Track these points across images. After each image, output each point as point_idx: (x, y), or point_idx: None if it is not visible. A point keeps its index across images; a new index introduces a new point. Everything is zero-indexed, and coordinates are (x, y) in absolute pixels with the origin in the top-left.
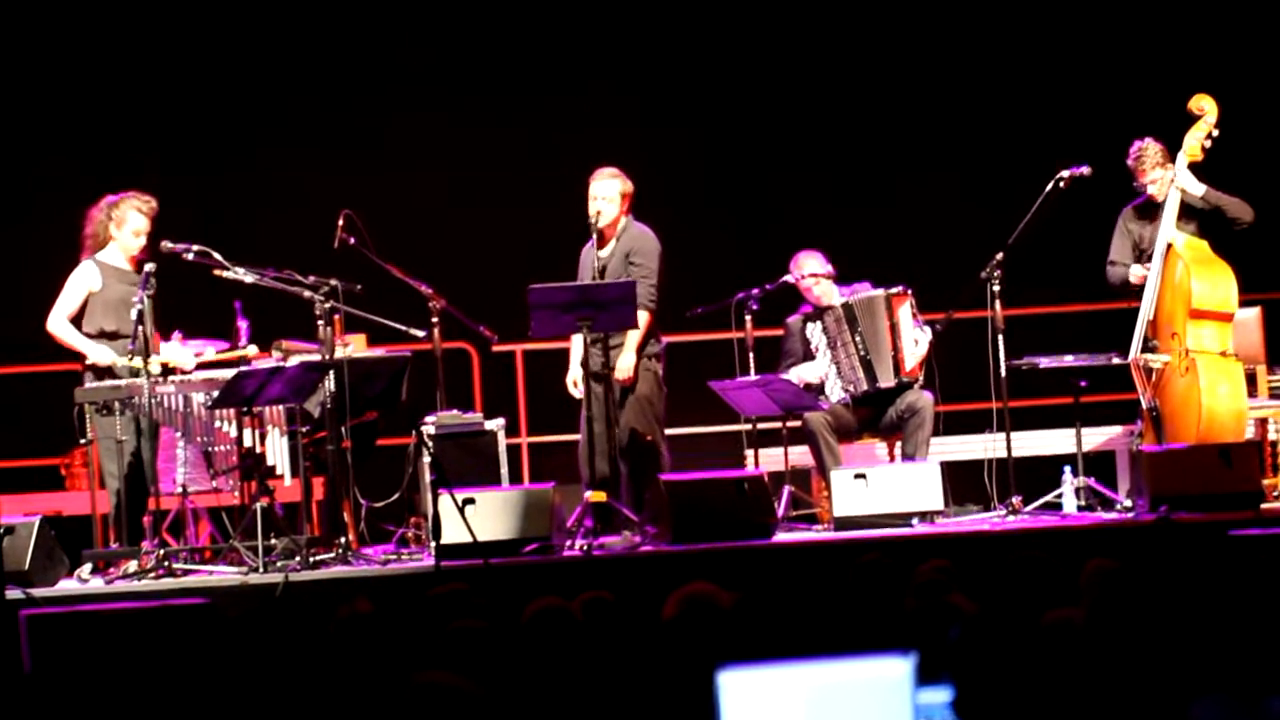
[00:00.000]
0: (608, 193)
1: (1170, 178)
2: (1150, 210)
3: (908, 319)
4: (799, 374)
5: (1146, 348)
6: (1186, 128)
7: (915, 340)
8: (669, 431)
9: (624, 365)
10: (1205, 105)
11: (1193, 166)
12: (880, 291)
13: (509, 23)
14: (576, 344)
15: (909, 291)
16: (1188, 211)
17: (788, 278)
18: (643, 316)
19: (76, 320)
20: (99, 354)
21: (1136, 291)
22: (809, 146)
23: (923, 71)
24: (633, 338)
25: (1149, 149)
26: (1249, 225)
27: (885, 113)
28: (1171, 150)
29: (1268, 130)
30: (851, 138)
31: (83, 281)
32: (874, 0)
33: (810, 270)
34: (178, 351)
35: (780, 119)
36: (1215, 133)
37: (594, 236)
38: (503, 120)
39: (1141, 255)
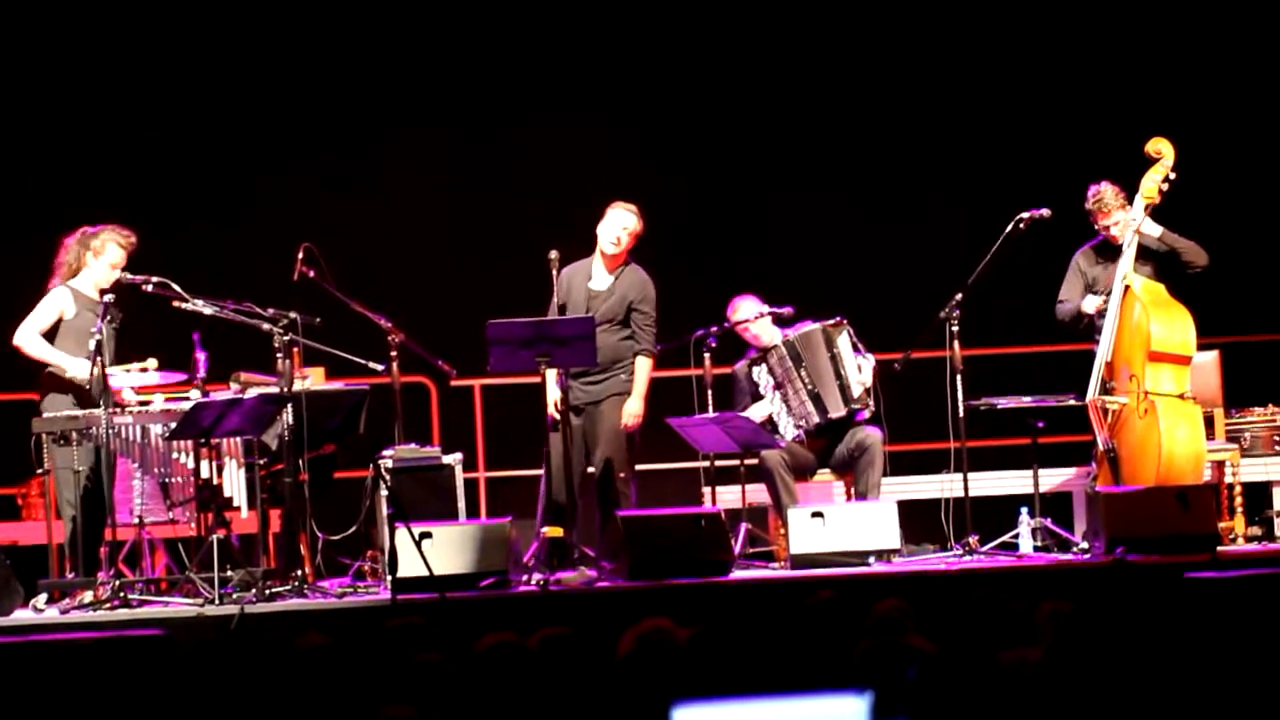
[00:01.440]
0: (630, 226)
1: (1128, 220)
2: (1106, 252)
3: (847, 347)
4: (749, 416)
5: (1104, 389)
6: (1143, 171)
7: (859, 366)
8: None
9: (632, 410)
10: (1162, 148)
11: (1150, 209)
12: (818, 325)
13: (470, 57)
14: (550, 373)
15: (844, 321)
16: (1144, 254)
17: (726, 324)
18: (648, 362)
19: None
20: (76, 368)
21: (1088, 331)
22: (769, 187)
23: (882, 116)
24: (640, 383)
25: (1106, 192)
26: (1203, 269)
27: (844, 155)
28: (1129, 193)
29: (1225, 174)
30: (811, 180)
31: (56, 304)
32: (830, 48)
33: (744, 314)
34: (124, 378)
35: (742, 160)
36: (1172, 175)
37: (589, 264)
38: (464, 155)
39: (1094, 296)
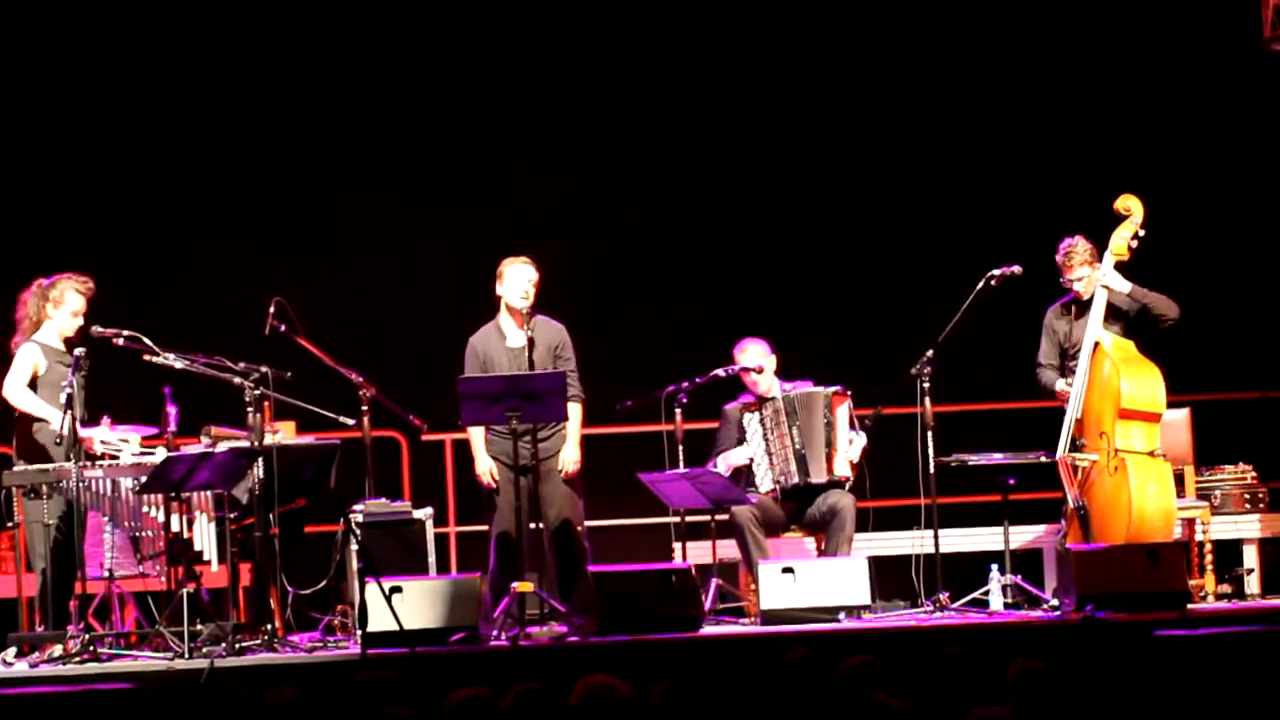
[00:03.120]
0: (535, 278)
1: (1097, 277)
2: (1075, 308)
3: (844, 420)
4: (728, 459)
5: (1074, 446)
6: (1113, 228)
7: (850, 440)
8: (595, 523)
9: (571, 457)
10: (1131, 205)
11: (1119, 266)
12: (822, 389)
13: (438, 109)
14: (477, 435)
15: (848, 393)
16: (1113, 312)
17: (732, 367)
18: (578, 408)
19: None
20: (60, 420)
21: (1041, 391)
22: (740, 242)
23: (855, 169)
24: (574, 430)
25: (1078, 246)
26: (1174, 323)
27: (817, 209)
28: (1101, 248)
29: (1196, 231)
30: (782, 234)
31: (29, 360)
32: (801, 95)
33: (755, 360)
34: (105, 435)
35: (714, 214)
36: (1142, 232)
37: (498, 326)
38: (434, 208)
39: (1064, 354)
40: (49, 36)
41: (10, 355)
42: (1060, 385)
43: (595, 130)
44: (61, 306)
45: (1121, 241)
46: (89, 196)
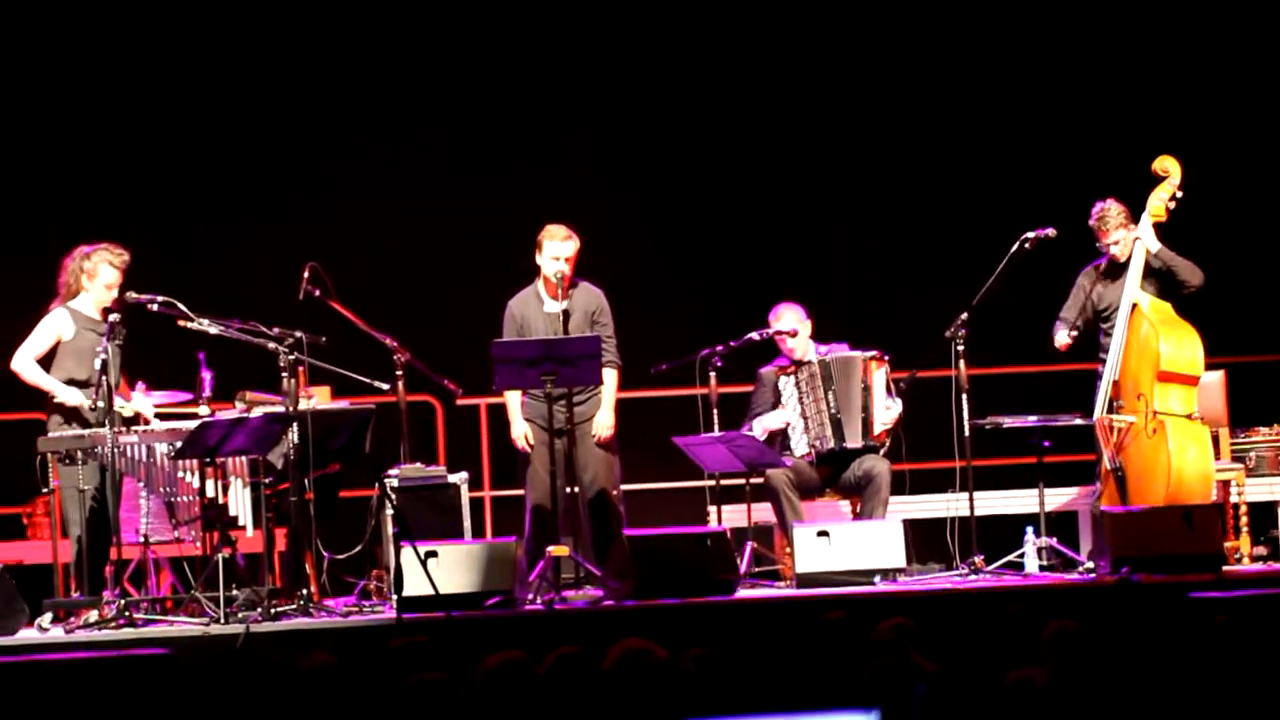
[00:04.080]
0: (569, 253)
1: (1133, 238)
2: (1112, 271)
3: (881, 385)
4: (763, 423)
5: (1110, 408)
6: (1150, 189)
7: (887, 406)
8: (631, 487)
9: (605, 422)
10: (1170, 166)
11: (1157, 227)
12: (859, 354)
13: (475, 82)
14: (513, 400)
15: (886, 358)
16: (1149, 272)
17: (766, 330)
18: (614, 374)
19: (44, 364)
20: (67, 394)
21: (1093, 350)
22: (774, 204)
23: (891, 131)
24: (609, 396)
25: (1111, 209)
26: (1196, 290)
27: (851, 172)
28: (1135, 211)
29: (1233, 193)
30: (816, 195)
31: (54, 327)
32: (837, 58)
33: (790, 324)
34: (143, 402)
35: (746, 178)
36: (1179, 194)
37: (536, 292)
38: (470, 175)
39: (1098, 316)
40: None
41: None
42: (1061, 338)
43: (633, 91)
44: (95, 279)
45: (1159, 203)
46: (125, 161)
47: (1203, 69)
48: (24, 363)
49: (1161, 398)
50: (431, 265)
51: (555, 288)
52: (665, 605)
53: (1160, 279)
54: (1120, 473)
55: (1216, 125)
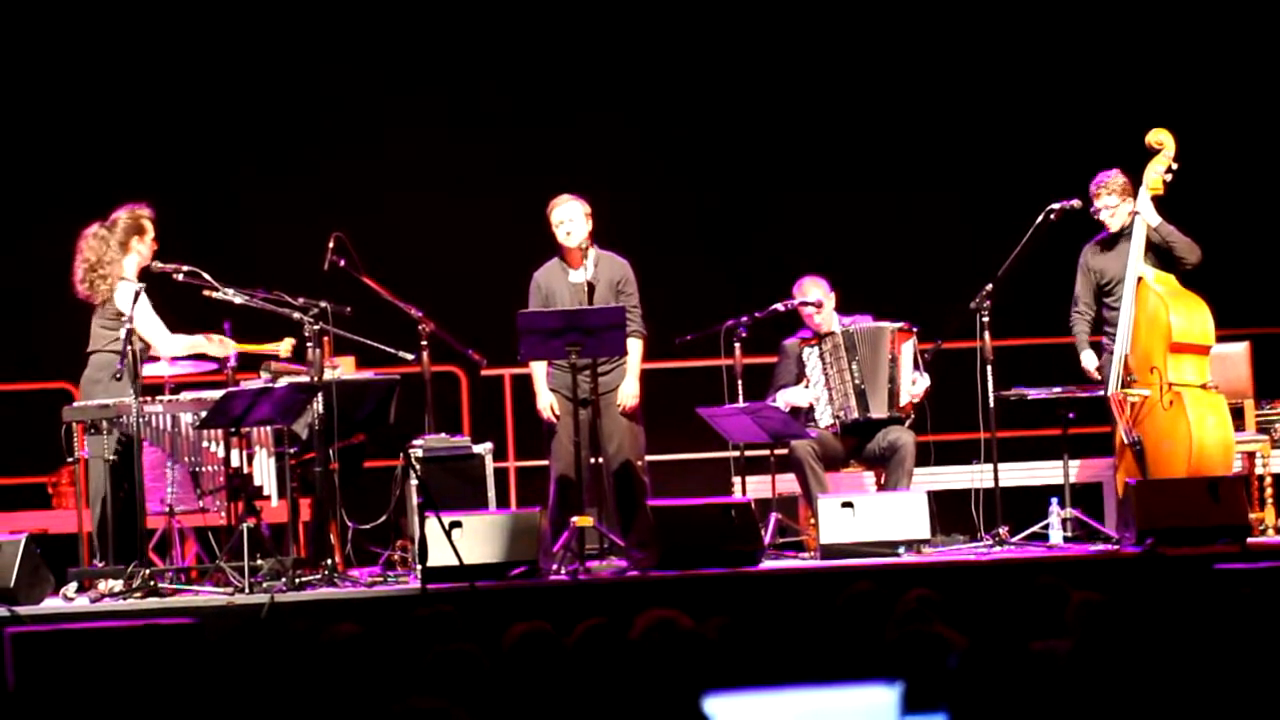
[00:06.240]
0: (575, 215)
1: (1130, 209)
2: (1109, 244)
3: (909, 357)
4: (787, 398)
5: (1124, 383)
6: (1147, 162)
7: (914, 380)
8: (655, 457)
9: (630, 392)
10: (1163, 139)
11: (1155, 200)
12: (887, 325)
13: (500, 49)
14: (539, 370)
15: (914, 330)
16: (1149, 247)
17: (790, 301)
18: (639, 343)
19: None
20: (210, 346)
21: (1098, 326)
22: (799, 176)
23: (914, 103)
24: (634, 366)
25: (1109, 178)
26: (1194, 268)
27: (876, 143)
28: (1135, 184)
29: (1248, 162)
30: (841, 168)
31: (147, 302)
32: (860, 34)
33: (814, 296)
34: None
35: (771, 150)
36: (1175, 165)
37: (560, 263)
38: (495, 145)
39: (1101, 290)
40: None
41: (84, 303)
42: (1089, 360)
43: (662, 59)
44: (146, 235)
45: (1156, 176)
46: (148, 130)
47: (1212, 33)
48: (171, 343)
49: (1175, 369)
50: (458, 236)
51: (575, 255)
52: (689, 576)
53: (1159, 254)
54: (1138, 446)
55: (1244, 97)
